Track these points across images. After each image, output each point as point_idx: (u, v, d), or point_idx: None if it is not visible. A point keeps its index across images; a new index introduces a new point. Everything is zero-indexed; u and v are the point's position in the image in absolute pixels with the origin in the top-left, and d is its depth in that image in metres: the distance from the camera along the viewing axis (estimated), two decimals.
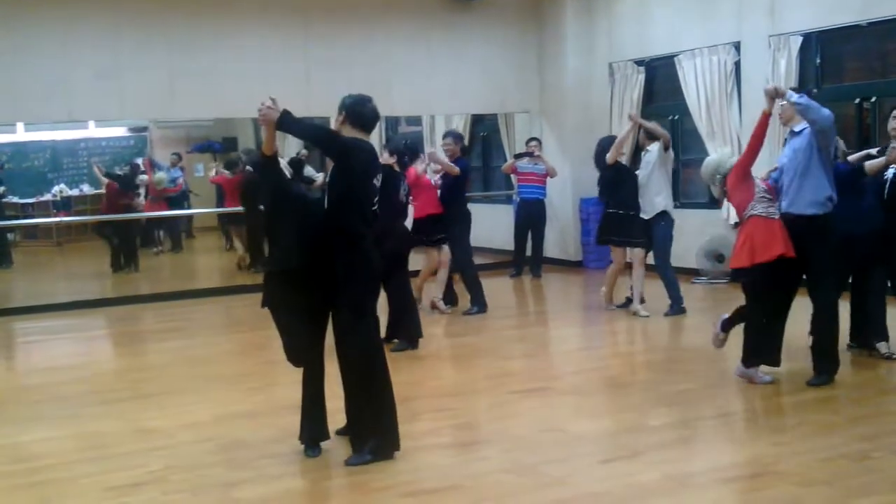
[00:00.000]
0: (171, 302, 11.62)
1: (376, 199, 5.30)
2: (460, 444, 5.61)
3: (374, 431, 5.19)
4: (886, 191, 7.01)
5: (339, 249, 5.13)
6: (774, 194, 6.54)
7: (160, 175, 16.95)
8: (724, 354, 7.22)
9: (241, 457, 5.44)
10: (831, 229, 6.47)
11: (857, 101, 10.19)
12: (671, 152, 9.51)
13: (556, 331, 9.58)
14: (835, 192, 6.46)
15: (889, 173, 6.98)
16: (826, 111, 6.33)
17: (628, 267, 9.57)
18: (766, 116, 6.42)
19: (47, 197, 19.63)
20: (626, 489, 4.73)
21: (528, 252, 12.75)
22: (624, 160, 9.56)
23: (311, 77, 12.23)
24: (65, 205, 19.39)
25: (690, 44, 11.74)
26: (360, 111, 5.27)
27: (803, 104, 6.29)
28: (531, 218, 12.44)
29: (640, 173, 9.40)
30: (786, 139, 6.76)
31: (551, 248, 13.40)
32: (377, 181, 5.28)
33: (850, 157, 7.11)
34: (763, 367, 6.63)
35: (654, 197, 9.30)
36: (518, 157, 12.24)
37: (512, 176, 13.25)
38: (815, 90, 7.46)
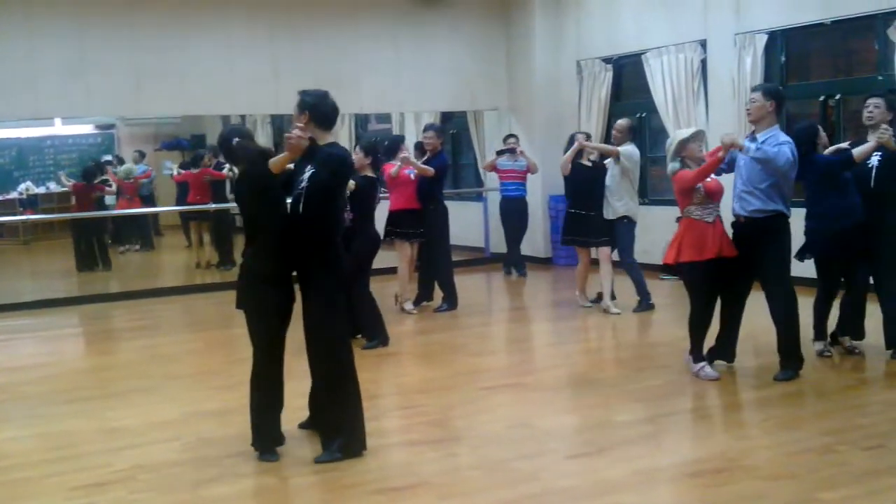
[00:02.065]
0: (138, 300, 11.54)
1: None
2: (430, 441, 5.61)
3: (343, 429, 5.19)
4: (873, 179, 6.94)
5: (314, 252, 5.14)
6: (715, 194, 6.64)
7: (127, 166, 16.85)
8: None
9: (209, 455, 5.42)
10: (783, 228, 6.55)
11: (822, 98, 10.29)
12: (634, 158, 9.52)
13: (526, 327, 9.61)
14: (788, 199, 6.57)
15: (874, 160, 6.93)
16: (783, 158, 6.34)
17: (595, 264, 9.61)
18: (719, 161, 6.52)
19: (13, 195, 19.44)
20: (594, 485, 4.76)
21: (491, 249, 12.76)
22: (589, 161, 9.58)
23: (279, 74, 12.18)
24: (31, 203, 19.21)
25: (657, 41, 11.81)
26: (323, 110, 5.23)
27: (760, 158, 6.38)
28: (514, 214, 12.32)
29: (607, 176, 9.44)
30: (748, 136, 6.75)
31: (523, 247, 13.41)
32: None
33: (825, 152, 7.12)
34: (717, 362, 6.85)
35: (616, 202, 9.38)
36: (499, 153, 12.17)
37: (484, 174, 13.26)
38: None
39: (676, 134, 6.99)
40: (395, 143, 9.87)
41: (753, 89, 6.85)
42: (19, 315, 10.80)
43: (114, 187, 15.69)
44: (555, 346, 8.56)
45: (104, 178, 15.40)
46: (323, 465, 5.09)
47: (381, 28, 12.95)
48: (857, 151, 6.87)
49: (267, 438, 5.30)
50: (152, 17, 11.59)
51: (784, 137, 6.53)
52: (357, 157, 8.10)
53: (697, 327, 6.71)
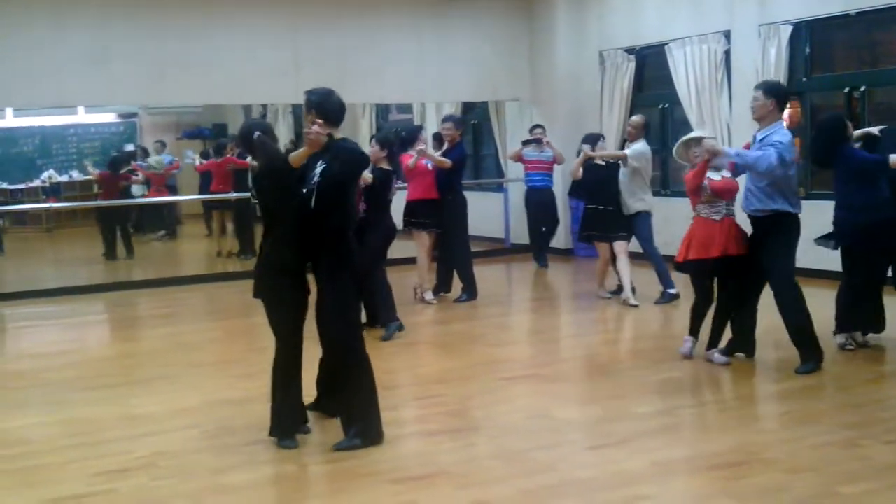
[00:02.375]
0: (161, 288, 11.60)
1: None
2: (448, 431, 5.61)
3: (357, 416, 5.23)
4: None
5: (328, 244, 5.21)
6: (724, 193, 6.74)
7: (157, 157, 16.96)
8: None
9: (229, 443, 5.45)
10: (785, 225, 6.54)
11: (847, 90, 10.20)
12: (645, 156, 9.50)
13: (545, 318, 9.60)
14: (791, 196, 6.56)
15: None
16: (765, 162, 6.32)
17: (615, 257, 9.59)
18: (704, 165, 6.65)
19: (36, 183, 19.57)
20: (612, 476, 4.75)
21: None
22: (602, 161, 9.55)
23: (301, 64, 12.20)
24: (54, 191, 19.34)
25: (681, 32, 11.74)
26: (329, 108, 5.36)
27: (740, 164, 6.60)
28: (540, 205, 12.26)
29: (620, 173, 9.41)
30: (755, 135, 6.76)
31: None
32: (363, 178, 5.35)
33: (855, 134, 7.12)
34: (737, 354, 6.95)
35: (630, 199, 9.40)
36: (525, 143, 12.13)
37: (505, 164, 13.19)
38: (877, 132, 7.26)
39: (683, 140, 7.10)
40: (413, 134, 9.83)
41: (755, 87, 6.83)
42: (42, 302, 10.89)
43: (141, 177, 15.79)
44: (574, 338, 8.54)
45: (130, 168, 15.50)
46: (341, 454, 5.11)
47: (403, 18, 12.94)
48: (893, 159, 6.78)
49: (286, 426, 5.33)
50: (175, 6, 11.63)
51: (780, 136, 6.47)
52: (373, 149, 8.15)
53: (697, 316, 7.03)
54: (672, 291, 9.32)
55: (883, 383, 6.55)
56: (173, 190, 17.39)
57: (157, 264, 14.98)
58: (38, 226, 19.28)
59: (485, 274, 10.95)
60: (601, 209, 9.42)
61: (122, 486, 4.81)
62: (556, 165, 12.09)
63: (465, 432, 5.64)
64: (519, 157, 12.21)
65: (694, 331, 7.04)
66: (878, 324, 7.23)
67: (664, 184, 12.41)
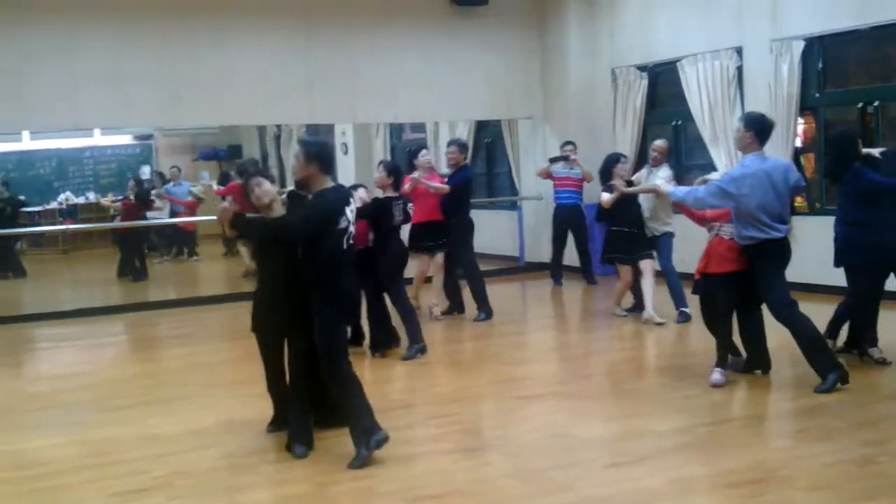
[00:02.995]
0: (177, 309, 11.67)
1: (350, 230, 5.53)
2: (464, 450, 5.62)
3: (358, 430, 5.35)
4: None
5: (316, 290, 5.44)
6: (721, 216, 6.86)
7: (198, 186, 17.18)
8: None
9: (247, 462, 5.47)
10: (762, 251, 6.60)
11: (860, 105, 10.20)
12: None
13: (562, 336, 9.60)
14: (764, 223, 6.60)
15: None
16: (691, 197, 6.79)
17: (637, 280, 9.57)
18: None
19: (53, 205, 19.73)
20: (631, 494, 4.74)
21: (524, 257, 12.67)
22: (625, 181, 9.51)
23: (314, 85, 12.28)
24: (71, 213, 19.50)
25: (693, 49, 11.76)
26: (326, 155, 5.54)
27: (673, 199, 7.16)
28: (569, 224, 12.25)
29: (641, 199, 9.32)
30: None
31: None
32: (350, 212, 5.51)
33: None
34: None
35: (654, 223, 9.39)
36: (553, 161, 12.12)
37: (518, 182, 13.16)
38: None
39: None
40: (413, 157, 9.94)
41: (738, 119, 7.08)
42: (60, 324, 10.96)
43: (163, 205, 15.95)
44: (591, 356, 8.53)
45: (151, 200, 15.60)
46: (356, 473, 5.13)
47: (415, 38, 13.00)
48: None
49: (300, 436, 5.55)
50: (189, 28, 11.72)
51: (735, 169, 6.83)
52: (379, 175, 8.37)
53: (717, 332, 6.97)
54: (687, 311, 9.28)
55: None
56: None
57: (175, 285, 15.05)
58: (55, 247, 19.43)
59: (499, 292, 10.96)
60: (625, 231, 9.36)
61: None
62: (585, 183, 12.11)
63: (481, 451, 5.64)
64: (548, 174, 12.20)
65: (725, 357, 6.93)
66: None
67: None
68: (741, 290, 6.74)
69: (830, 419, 5.91)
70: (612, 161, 9.64)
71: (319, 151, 5.48)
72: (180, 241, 17.60)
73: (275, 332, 5.77)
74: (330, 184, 5.49)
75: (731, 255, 6.74)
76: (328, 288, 5.41)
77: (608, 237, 9.62)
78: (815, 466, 5.00)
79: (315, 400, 5.70)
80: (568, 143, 12.23)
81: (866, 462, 5.03)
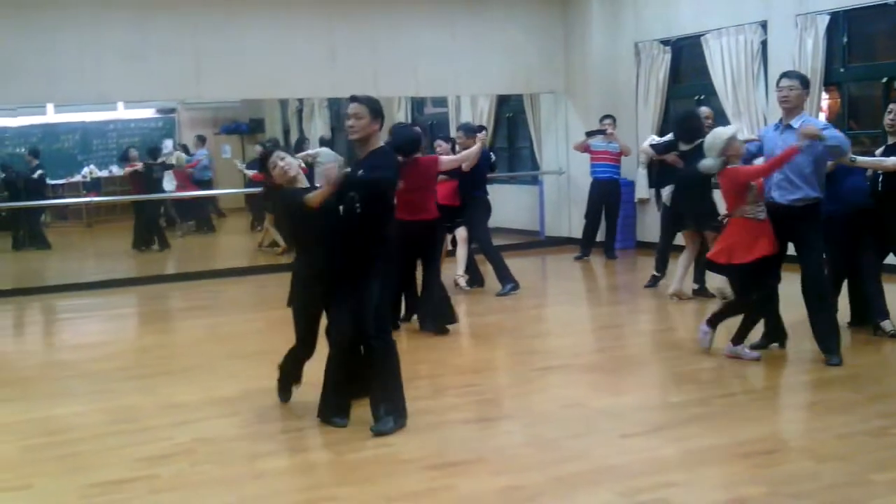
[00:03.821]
0: (201, 281, 11.76)
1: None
2: (484, 419, 5.69)
3: (388, 398, 5.41)
4: (881, 183, 7.08)
5: (370, 258, 5.38)
6: (762, 191, 6.56)
7: (178, 154, 17.25)
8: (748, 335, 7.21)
9: (267, 430, 5.56)
10: (819, 213, 6.55)
11: (885, 80, 10.12)
12: None
13: (581, 310, 9.63)
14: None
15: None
16: (847, 141, 6.56)
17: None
18: (795, 151, 6.31)
19: (77, 178, 19.89)
20: (645, 463, 4.79)
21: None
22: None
23: (336, 59, 12.29)
24: (94, 186, 19.65)
25: (717, 23, 11.69)
26: (382, 111, 5.53)
27: (835, 145, 6.35)
28: (605, 198, 12.19)
29: None
30: (777, 125, 6.71)
31: (576, 229, 13.40)
32: None
33: (859, 161, 7.00)
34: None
35: None
36: (590, 134, 12.06)
37: (539, 157, 13.14)
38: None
39: (721, 131, 6.74)
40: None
41: (785, 76, 6.67)
42: (83, 295, 11.08)
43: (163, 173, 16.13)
44: (609, 329, 8.57)
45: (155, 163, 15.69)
46: (377, 441, 5.21)
47: (438, 11, 12.98)
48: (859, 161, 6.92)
49: (343, 408, 5.55)
50: (212, 2, 11.75)
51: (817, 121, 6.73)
52: (441, 146, 8.55)
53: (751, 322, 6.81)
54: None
55: None
56: (205, 185, 17.51)
57: (198, 257, 15.17)
58: (79, 220, 19.60)
59: (520, 266, 10.97)
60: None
61: (163, 472, 4.94)
62: (623, 157, 12.08)
63: (500, 420, 5.71)
64: (585, 148, 12.14)
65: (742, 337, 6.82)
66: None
67: None
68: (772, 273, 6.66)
69: (845, 392, 5.94)
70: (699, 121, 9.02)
71: (380, 108, 5.47)
72: (196, 213, 17.75)
73: (315, 306, 5.67)
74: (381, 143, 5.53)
75: (760, 240, 6.49)
76: (383, 254, 5.40)
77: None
78: (828, 438, 5.04)
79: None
80: (607, 116, 12.18)
81: (879, 433, 5.07)
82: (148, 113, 21.58)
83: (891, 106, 7.05)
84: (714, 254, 6.78)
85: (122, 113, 20.87)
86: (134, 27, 11.44)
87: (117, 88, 11.78)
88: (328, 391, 5.58)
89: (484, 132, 9.76)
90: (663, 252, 9.82)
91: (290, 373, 6.01)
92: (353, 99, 5.51)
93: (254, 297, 11.02)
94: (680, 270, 9.24)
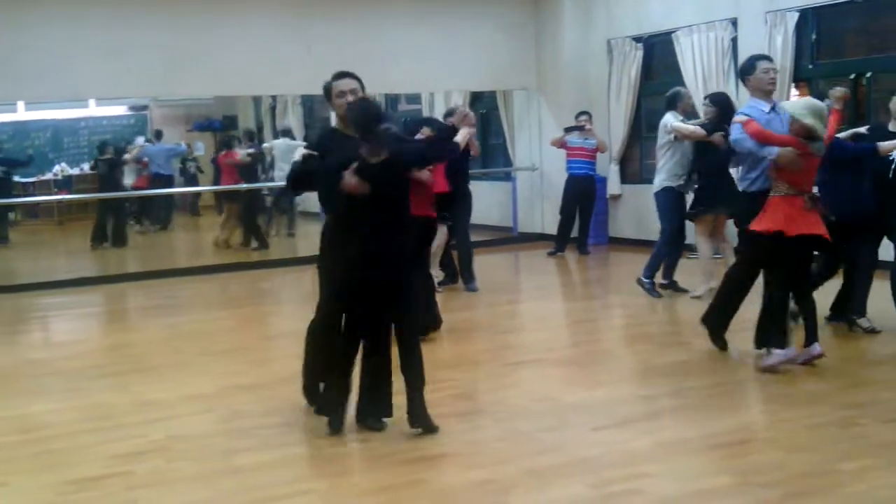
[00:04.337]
0: (170, 279, 11.73)
1: None
2: (458, 414, 5.72)
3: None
4: (892, 171, 7.00)
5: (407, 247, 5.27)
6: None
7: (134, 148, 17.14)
8: None
9: (243, 426, 5.57)
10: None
11: (853, 76, 10.25)
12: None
13: (553, 305, 9.69)
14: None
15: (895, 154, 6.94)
16: None
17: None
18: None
19: (48, 176, 19.75)
20: (617, 455, 4.85)
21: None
22: None
23: (310, 55, 12.27)
24: (65, 183, 19.52)
25: (688, 20, 11.79)
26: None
27: None
28: (581, 194, 12.25)
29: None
30: (771, 108, 6.68)
31: (549, 225, 13.48)
32: None
33: (841, 136, 7.05)
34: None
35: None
36: (568, 130, 12.14)
37: (512, 153, 13.18)
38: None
39: (815, 101, 6.32)
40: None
41: (766, 58, 6.82)
42: (54, 293, 11.01)
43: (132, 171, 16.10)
44: (581, 324, 8.63)
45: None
46: (353, 435, 5.23)
47: (411, 8, 13.00)
48: (882, 146, 6.85)
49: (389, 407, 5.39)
50: None
51: None
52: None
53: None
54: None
55: (884, 366, 6.62)
56: (165, 181, 17.24)
57: (167, 255, 15.13)
58: (50, 218, 19.46)
59: (493, 262, 11.07)
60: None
61: (139, 468, 4.93)
62: (599, 153, 12.13)
63: (474, 415, 5.74)
64: (562, 144, 12.20)
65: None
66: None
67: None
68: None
69: (816, 383, 6.03)
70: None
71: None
72: (158, 209, 17.71)
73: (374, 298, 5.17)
74: None
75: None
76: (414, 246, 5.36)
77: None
78: (797, 428, 5.11)
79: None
80: (583, 112, 12.26)
81: (848, 424, 5.15)
82: (120, 110, 21.47)
83: None
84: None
85: (93, 110, 20.75)
86: (106, 24, 11.38)
87: (89, 86, 11.74)
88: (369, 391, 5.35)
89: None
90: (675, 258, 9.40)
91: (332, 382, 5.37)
92: (345, 74, 5.43)
93: (222, 295, 11.00)
94: (708, 266, 8.89)
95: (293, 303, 10.24)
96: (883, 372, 6.42)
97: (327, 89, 5.54)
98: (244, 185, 14.08)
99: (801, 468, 4.54)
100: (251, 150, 14.67)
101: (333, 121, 5.72)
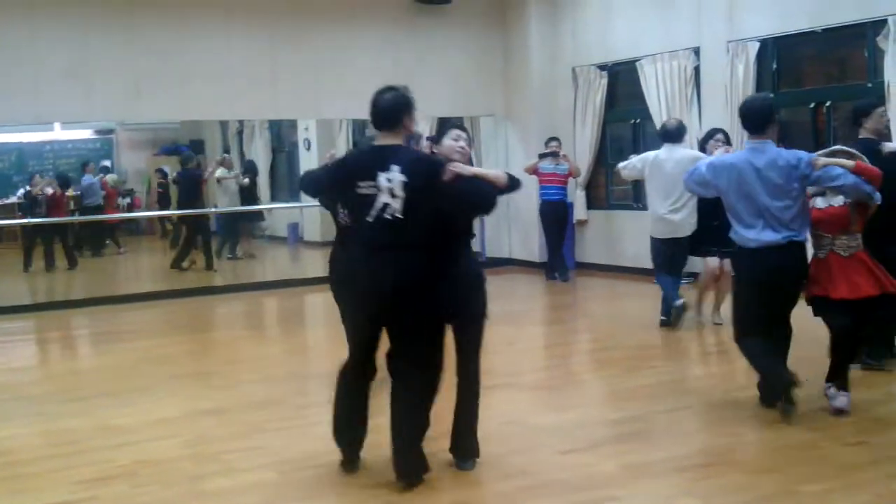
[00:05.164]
0: (132, 304, 11.69)
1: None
2: (427, 438, 5.71)
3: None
4: None
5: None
6: (822, 223, 5.90)
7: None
8: (686, 352, 7.40)
9: (209, 451, 5.54)
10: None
11: (813, 105, 10.44)
12: None
13: (522, 330, 9.70)
14: None
15: None
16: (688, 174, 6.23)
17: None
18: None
19: (13, 199, 19.56)
20: (585, 478, 4.88)
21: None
22: None
23: (278, 80, 12.32)
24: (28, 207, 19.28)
25: (652, 49, 11.97)
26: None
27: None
28: (555, 219, 12.36)
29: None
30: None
31: (516, 250, 13.57)
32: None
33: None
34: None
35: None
36: (542, 157, 12.23)
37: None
38: None
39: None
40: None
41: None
42: (18, 317, 10.91)
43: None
44: (550, 348, 8.69)
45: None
46: (320, 460, 5.21)
47: (379, 35, 13.08)
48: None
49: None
50: (152, 22, 11.72)
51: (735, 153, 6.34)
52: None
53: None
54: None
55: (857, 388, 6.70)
56: (93, 210, 17.22)
57: (126, 280, 15.06)
58: (15, 242, 19.23)
59: None
60: (715, 225, 8.38)
61: (104, 493, 4.90)
62: (571, 178, 12.22)
63: (443, 438, 5.73)
64: (534, 171, 12.30)
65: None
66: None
67: (636, 198, 12.64)
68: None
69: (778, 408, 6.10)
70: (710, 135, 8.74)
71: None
72: (102, 234, 17.86)
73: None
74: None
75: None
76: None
77: (700, 230, 8.66)
78: (761, 451, 5.21)
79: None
80: (553, 139, 12.37)
81: (810, 447, 5.22)
82: (86, 134, 21.35)
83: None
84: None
85: (59, 133, 20.62)
86: (72, 47, 11.36)
87: (55, 109, 11.69)
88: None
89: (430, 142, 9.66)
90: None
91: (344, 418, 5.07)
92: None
93: (183, 319, 10.92)
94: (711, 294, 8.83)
95: (253, 328, 10.23)
96: (857, 393, 6.50)
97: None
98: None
99: (764, 490, 4.60)
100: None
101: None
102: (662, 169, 8.59)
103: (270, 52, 12.36)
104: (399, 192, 4.65)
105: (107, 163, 20.27)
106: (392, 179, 4.68)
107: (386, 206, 4.67)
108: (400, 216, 4.65)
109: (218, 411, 6.41)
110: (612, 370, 7.46)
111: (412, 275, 4.70)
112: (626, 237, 12.51)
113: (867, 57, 9.93)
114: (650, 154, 8.82)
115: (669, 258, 8.72)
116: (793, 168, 5.65)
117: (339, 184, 5.06)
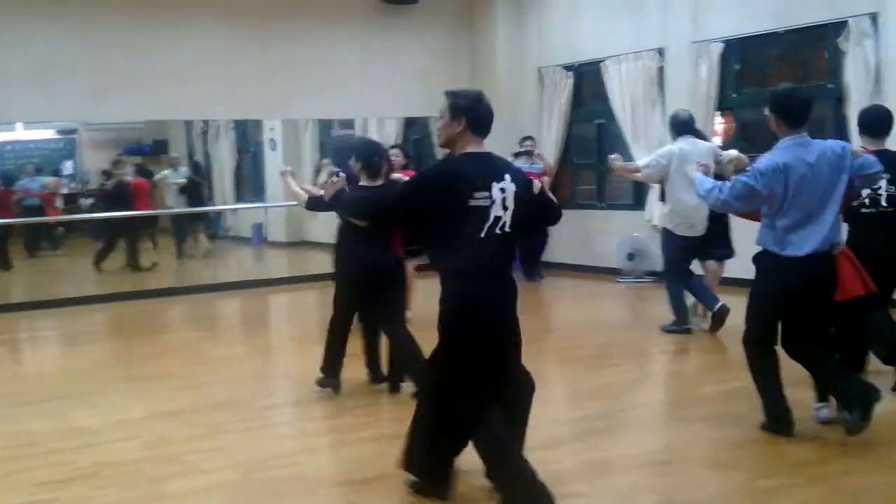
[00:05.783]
0: (94, 305, 11.57)
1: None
2: (390, 437, 5.71)
3: None
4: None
5: None
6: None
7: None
8: (648, 351, 7.44)
9: (170, 452, 5.51)
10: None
11: None
12: None
13: None
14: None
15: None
16: (715, 196, 5.52)
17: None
18: None
19: None
20: (547, 475, 4.83)
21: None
22: None
23: (243, 80, 12.25)
24: None
25: (617, 49, 12.04)
26: (479, 113, 4.58)
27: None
28: None
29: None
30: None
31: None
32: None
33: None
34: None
35: None
36: (516, 156, 12.19)
37: None
38: None
39: None
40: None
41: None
42: None
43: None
44: None
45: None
46: (281, 460, 5.22)
47: (346, 34, 13.05)
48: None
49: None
50: (115, 23, 11.61)
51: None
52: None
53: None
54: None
55: (801, 387, 6.76)
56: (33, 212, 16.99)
57: (81, 281, 14.88)
58: None
59: (432, 289, 11.01)
60: (714, 229, 8.45)
61: (64, 496, 4.85)
62: (545, 178, 12.20)
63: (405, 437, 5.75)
64: None
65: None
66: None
67: (600, 197, 12.72)
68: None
69: (739, 405, 6.11)
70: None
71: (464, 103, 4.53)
72: (40, 234, 17.82)
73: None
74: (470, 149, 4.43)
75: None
76: None
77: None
78: (721, 447, 5.25)
79: None
80: (528, 138, 12.34)
81: (769, 443, 5.28)
82: (48, 134, 21.10)
83: None
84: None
85: (21, 134, 20.36)
86: (34, 47, 11.22)
87: (17, 110, 11.56)
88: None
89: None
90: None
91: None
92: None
93: (144, 321, 10.82)
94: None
95: (216, 329, 10.17)
96: (801, 392, 6.56)
97: None
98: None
99: (723, 486, 4.66)
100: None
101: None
102: (689, 161, 7.68)
103: (236, 52, 12.28)
104: (511, 203, 4.24)
105: (68, 163, 20.08)
106: (506, 189, 4.24)
107: (498, 219, 4.21)
108: (509, 230, 4.25)
109: (179, 413, 6.36)
110: (575, 369, 7.49)
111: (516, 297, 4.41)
112: (592, 237, 12.57)
113: (828, 58, 10.05)
114: (672, 148, 8.37)
115: (684, 260, 8.46)
116: (840, 158, 5.14)
117: (448, 196, 4.25)
